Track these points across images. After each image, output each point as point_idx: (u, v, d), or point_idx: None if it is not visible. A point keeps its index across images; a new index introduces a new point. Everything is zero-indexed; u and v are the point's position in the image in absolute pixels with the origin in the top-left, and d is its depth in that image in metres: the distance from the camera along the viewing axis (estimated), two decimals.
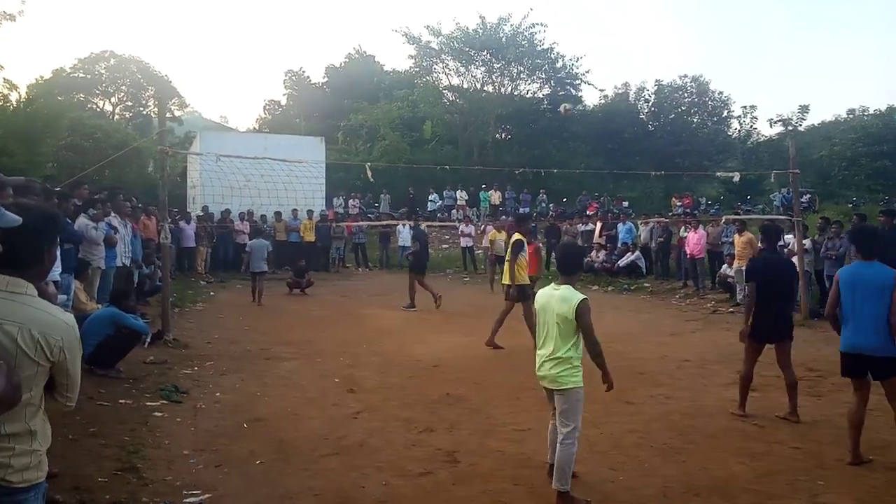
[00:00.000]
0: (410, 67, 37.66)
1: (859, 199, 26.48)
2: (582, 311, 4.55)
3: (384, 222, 22.32)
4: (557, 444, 4.55)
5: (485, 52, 33.68)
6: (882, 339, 5.06)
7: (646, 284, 17.65)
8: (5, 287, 2.19)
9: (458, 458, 5.34)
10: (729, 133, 38.70)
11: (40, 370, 2.20)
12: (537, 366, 4.75)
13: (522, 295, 9.77)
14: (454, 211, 26.82)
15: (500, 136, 36.45)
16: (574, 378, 4.58)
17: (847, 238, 10.76)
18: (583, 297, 4.61)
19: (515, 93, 35.29)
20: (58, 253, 4.10)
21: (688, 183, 31.71)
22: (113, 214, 10.17)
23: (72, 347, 2.27)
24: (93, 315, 7.50)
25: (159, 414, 6.27)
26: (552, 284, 4.83)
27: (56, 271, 5.64)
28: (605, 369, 4.69)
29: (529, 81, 35.54)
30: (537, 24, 33.54)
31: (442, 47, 34.31)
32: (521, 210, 26.86)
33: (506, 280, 10.23)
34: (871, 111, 37.88)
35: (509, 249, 10.22)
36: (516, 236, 10.24)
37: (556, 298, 4.65)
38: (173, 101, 41.62)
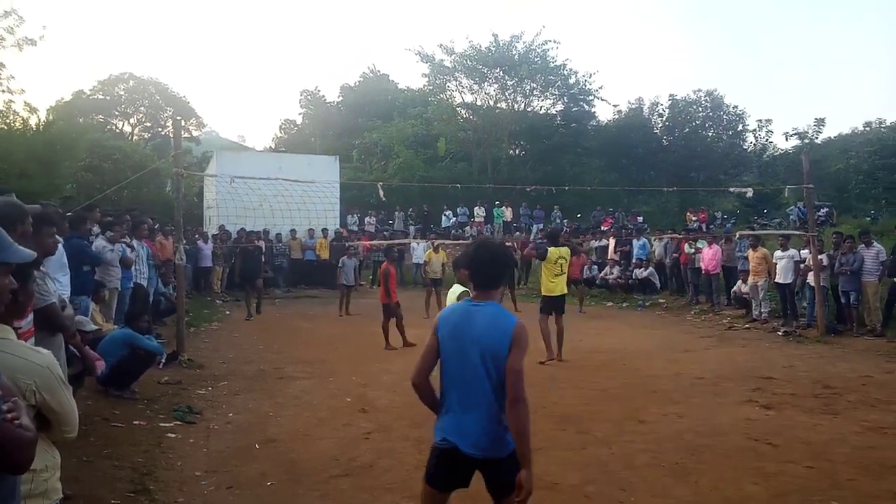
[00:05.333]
0: (424, 85, 37.92)
1: (877, 212, 26.20)
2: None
3: (399, 241, 22.34)
4: None
5: (498, 70, 33.81)
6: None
7: (661, 300, 17.57)
8: None
9: None
10: (744, 147, 38.57)
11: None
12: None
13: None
14: (468, 227, 26.85)
15: (514, 153, 36.51)
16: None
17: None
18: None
19: (529, 109, 35.37)
20: (50, 285, 4.14)
21: (703, 197, 31.56)
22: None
23: (49, 387, 2.23)
24: (108, 336, 7.58)
25: (172, 435, 6.33)
26: (464, 297, 3.55)
27: (65, 292, 5.71)
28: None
29: (542, 98, 35.62)
30: (550, 40, 33.65)
31: (455, 65, 34.49)
32: (536, 226, 26.92)
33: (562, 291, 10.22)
34: (888, 123, 37.67)
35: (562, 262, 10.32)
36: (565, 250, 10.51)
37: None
38: (191, 120, 42.23)
